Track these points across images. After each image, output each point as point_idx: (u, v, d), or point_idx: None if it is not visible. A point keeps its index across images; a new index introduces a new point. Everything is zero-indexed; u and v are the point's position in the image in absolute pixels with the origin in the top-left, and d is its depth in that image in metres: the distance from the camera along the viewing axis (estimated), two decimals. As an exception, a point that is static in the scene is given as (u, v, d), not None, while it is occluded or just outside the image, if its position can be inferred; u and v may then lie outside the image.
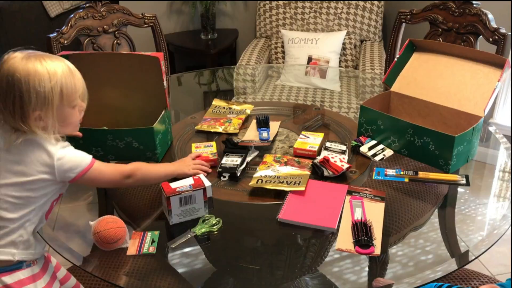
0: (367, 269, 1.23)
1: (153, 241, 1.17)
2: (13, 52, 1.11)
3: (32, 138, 1.08)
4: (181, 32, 3.49)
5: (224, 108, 1.83)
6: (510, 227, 1.29)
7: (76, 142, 1.42)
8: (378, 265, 1.20)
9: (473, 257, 1.19)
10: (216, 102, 1.88)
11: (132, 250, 1.14)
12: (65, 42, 1.92)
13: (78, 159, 1.13)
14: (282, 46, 3.10)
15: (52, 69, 1.08)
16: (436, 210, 1.49)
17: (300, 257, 1.43)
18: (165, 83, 1.55)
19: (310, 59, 2.89)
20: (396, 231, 1.26)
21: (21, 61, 1.07)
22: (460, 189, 1.47)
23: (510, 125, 2.80)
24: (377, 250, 1.11)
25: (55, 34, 1.90)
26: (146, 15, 2.16)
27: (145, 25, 2.17)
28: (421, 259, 1.23)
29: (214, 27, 3.35)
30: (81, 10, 2.00)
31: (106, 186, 1.39)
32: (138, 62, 1.55)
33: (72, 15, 1.97)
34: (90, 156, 1.16)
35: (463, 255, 1.24)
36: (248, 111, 1.79)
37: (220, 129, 1.67)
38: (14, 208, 1.08)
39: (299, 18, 3.15)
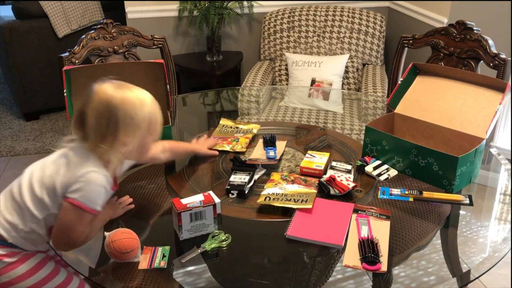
0: None
1: (164, 255, 1.19)
2: (102, 82, 1.17)
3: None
4: (187, 54, 3.56)
5: (231, 127, 1.87)
6: (511, 250, 1.32)
7: None
8: (382, 285, 1.22)
9: (474, 278, 1.21)
10: (223, 121, 1.93)
11: (143, 264, 1.16)
12: (77, 61, 1.97)
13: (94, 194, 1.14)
14: (286, 69, 3.16)
15: (142, 98, 1.16)
16: (439, 231, 1.51)
17: (306, 275, 1.45)
18: (167, 86, 1.72)
19: (313, 81, 2.95)
20: (400, 251, 1.29)
21: (115, 89, 1.14)
22: (462, 211, 1.49)
23: (510, 148, 2.84)
24: (383, 267, 1.13)
25: (67, 53, 1.95)
26: (155, 36, 2.21)
27: (154, 46, 2.23)
28: (423, 281, 1.25)
29: (219, 49, 3.42)
30: (93, 31, 2.05)
31: (68, 235, 1.23)
32: (143, 69, 1.71)
33: (83, 36, 2.02)
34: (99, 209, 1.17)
35: (464, 275, 1.26)
36: (255, 131, 1.83)
37: (227, 148, 1.70)
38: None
39: (303, 41, 3.22)
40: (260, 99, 2.71)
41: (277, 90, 3.12)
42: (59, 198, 1.14)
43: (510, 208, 1.47)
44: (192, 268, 1.23)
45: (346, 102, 2.92)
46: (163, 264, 1.17)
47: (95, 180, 1.12)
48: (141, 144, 1.18)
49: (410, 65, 1.67)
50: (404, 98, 1.68)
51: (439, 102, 1.61)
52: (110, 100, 1.12)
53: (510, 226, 1.38)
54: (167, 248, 1.22)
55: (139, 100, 1.15)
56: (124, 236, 1.15)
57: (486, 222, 1.50)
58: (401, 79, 1.67)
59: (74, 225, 1.13)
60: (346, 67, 3.05)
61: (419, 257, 1.34)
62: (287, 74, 3.16)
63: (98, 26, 2.07)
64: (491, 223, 1.48)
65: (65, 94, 1.57)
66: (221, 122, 1.93)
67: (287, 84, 3.17)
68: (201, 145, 1.67)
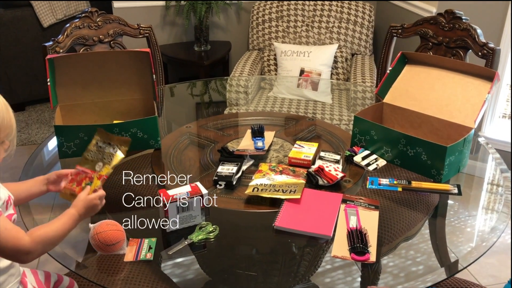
0: (359, 279, 1.24)
1: (150, 247, 1.17)
2: None
3: None
4: (175, 44, 3.51)
5: (100, 147, 1.26)
6: (511, 235, 1.32)
7: (81, 139, 1.46)
8: (370, 275, 1.22)
9: (462, 268, 1.21)
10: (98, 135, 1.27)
11: (129, 256, 1.14)
12: (61, 51, 1.93)
13: None
14: (275, 59, 3.14)
15: None
16: (427, 221, 1.51)
17: (295, 265, 1.44)
18: (154, 76, 1.68)
19: (302, 72, 2.93)
20: (389, 241, 1.28)
21: None
22: (450, 201, 1.49)
23: (498, 139, 2.86)
24: (372, 257, 1.12)
25: (51, 43, 1.91)
26: (141, 25, 2.18)
27: (141, 36, 2.19)
28: (412, 270, 1.25)
29: (207, 39, 3.39)
30: (77, 20, 2.01)
31: None
32: (128, 58, 1.66)
33: (68, 25, 1.98)
34: None
35: (452, 264, 1.26)
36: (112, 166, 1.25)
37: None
38: None
39: (291, 31, 3.19)
40: (249, 90, 2.69)
41: (265, 80, 3.10)
42: None
43: (498, 198, 1.48)
44: (180, 260, 1.21)
45: (335, 92, 2.91)
46: (149, 256, 1.15)
47: None
48: None
49: (399, 54, 1.66)
50: (392, 88, 1.67)
51: (427, 92, 1.60)
52: None
53: (497, 216, 1.38)
54: (154, 240, 1.20)
55: None
56: (109, 228, 1.12)
57: (474, 212, 1.50)
58: (390, 68, 1.66)
59: None
60: (335, 57, 3.03)
61: (407, 247, 1.34)
62: (275, 64, 3.14)
63: (83, 14, 2.03)
64: (478, 213, 1.49)
65: (48, 84, 1.54)
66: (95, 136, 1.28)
67: (275, 74, 3.15)
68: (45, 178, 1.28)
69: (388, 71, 1.66)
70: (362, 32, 3.13)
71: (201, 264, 1.27)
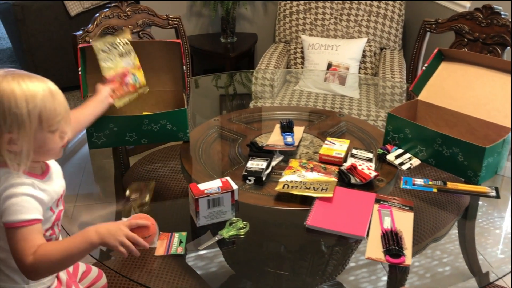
0: (383, 278, 1.22)
1: (180, 241, 1.16)
2: None
3: None
4: (200, 35, 3.50)
5: (108, 48, 1.46)
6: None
7: (110, 130, 1.46)
8: (398, 275, 1.19)
9: (497, 278, 1.18)
10: (96, 44, 1.46)
11: (160, 251, 1.13)
12: (90, 40, 1.92)
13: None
14: (301, 52, 3.09)
15: (32, 91, 1.00)
16: (456, 222, 1.48)
17: (323, 264, 1.42)
18: (184, 67, 1.64)
19: (330, 65, 2.88)
20: (418, 241, 1.25)
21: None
22: (480, 202, 1.45)
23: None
24: (407, 260, 1.09)
25: (80, 32, 1.91)
26: (170, 16, 2.16)
27: (169, 26, 2.17)
28: (438, 271, 1.22)
29: (234, 31, 3.36)
30: (107, 9, 2.00)
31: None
32: (159, 48, 1.64)
33: (97, 14, 1.98)
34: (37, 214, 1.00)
35: (484, 276, 1.23)
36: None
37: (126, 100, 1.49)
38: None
39: (319, 24, 3.14)
40: (275, 83, 2.66)
41: (291, 73, 3.06)
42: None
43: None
44: (203, 253, 1.20)
45: (362, 87, 2.86)
46: (180, 250, 1.14)
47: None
48: (37, 142, 1.02)
49: (435, 50, 1.61)
50: (428, 85, 1.62)
51: (464, 90, 1.55)
52: None
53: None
54: (184, 234, 1.19)
55: (24, 93, 0.99)
56: (142, 221, 1.11)
57: (503, 214, 1.46)
58: (426, 65, 1.61)
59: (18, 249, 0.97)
60: (364, 51, 2.97)
61: (434, 246, 1.31)
62: (302, 58, 3.10)
63: (113, 4, 2.02)
64: (507, 214, 1.44)
65: (79, 73, 1.53)
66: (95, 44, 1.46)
67: (302, 68, 3.10)
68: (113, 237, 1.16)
69: (423, 68, 1.61)
70: (392, 26, 3.06)
71: (226, 259, 1.26)
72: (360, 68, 3.01)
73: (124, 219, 1.07)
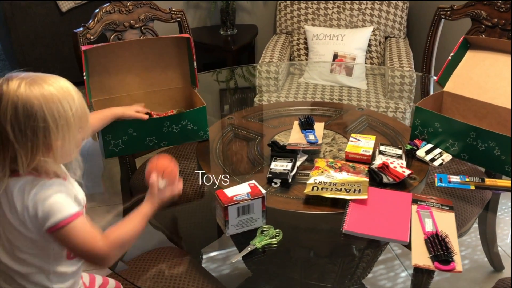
0: (402, 274, 1.16)
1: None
2: (6, 80, 0.94)
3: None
4: (198, 28, 3.38)
5: None
6: None
7: (129, 135, 1.37)
8: (424, 276, 1.12)
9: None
10: None
11: None
12: (92, 37, 1.82)
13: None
14: (305, 43, 3.00)
15: (65, 90, 0.95)
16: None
17: (352, 268, 1.35)
18: (194, 63, 1.57)
19: (335, 56, 2.80)
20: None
21: (28, 87, 0.92)
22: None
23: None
24: (458, 266, 1.01)
25: (81, 29, 1.79)
26: (173, 10, 2.05)
27: (172, 20, 2.07)
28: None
29: (234, 23, 3.25)
30: (108, 4, 1.89)
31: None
32: (166, 45, 1.57)
33: (98, 9, 1.86)
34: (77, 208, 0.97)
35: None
36: None
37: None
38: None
39: (322, 13, 3.05)
40: (279, 76, 2.56)
41: (295, 65, 2.97)
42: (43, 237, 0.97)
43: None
44: (215, 254, 1.14)
45: (369, 77, 2.78)
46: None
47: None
48: (74, 142, 0.99)
49: (461, 38, 1.53)
50: (454, 75, 1.54)
51: (494, 79, 1.47)
52: (28, 102, 0.90)
53: None
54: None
55: (63, 92, 0.94)
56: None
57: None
58: (452, 54, 1.53)
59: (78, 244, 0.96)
60: (369, 40, 2.89)
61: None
62: (306, 49, 3.00)
63: (112, -2, 1.91)
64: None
65: (84, 78, 1.42)
66: None
67: (306, 59, 3.01)
68: (127, 109, 1.39)
69: (449, 58, 1.53)
70: (397, 13, 2.97)
71: (248, 264, 1.18)
72: (366, 58, 2.93)
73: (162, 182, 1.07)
